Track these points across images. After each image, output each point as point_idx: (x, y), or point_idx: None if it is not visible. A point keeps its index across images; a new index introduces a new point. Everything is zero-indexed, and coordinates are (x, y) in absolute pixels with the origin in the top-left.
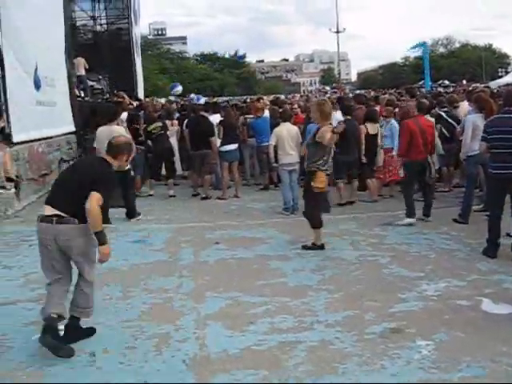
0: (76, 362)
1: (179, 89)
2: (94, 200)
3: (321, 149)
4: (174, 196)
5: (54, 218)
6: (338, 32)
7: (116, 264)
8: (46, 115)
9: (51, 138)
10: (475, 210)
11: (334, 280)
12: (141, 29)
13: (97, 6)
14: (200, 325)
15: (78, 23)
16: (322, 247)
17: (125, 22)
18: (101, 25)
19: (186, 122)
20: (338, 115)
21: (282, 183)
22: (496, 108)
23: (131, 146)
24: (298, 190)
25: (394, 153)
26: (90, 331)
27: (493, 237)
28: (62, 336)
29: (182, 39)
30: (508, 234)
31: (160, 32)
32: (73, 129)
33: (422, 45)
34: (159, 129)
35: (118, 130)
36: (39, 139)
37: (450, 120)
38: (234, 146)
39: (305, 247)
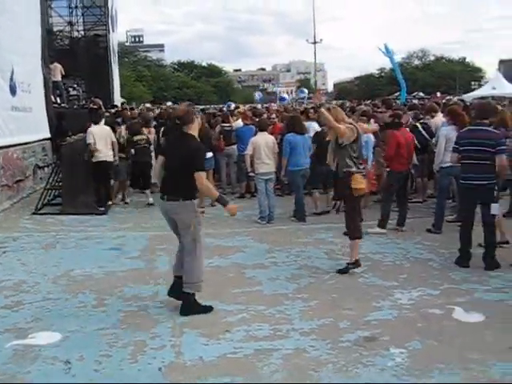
0: (51, 369)
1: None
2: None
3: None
4: (153, 204)
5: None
6: (315, 43)
7: (91, 272)
8: (21, 121)
9: (26, 144)
10: (448, 221)
11: (310, 288)
12: (118, 35)
13: (74, 11)
14: (176, 332)
15: (54, 29)
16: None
17: (102, 29)
18: (78, 31)
19: (162, 129)
20: (314, 125)
21: (259, 192)
22: (468, 120)
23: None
24: (274, 198)
25: (369, 164)
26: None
27: (465, 247)
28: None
29: (160, 47)
30: (480, 245)
31: (137, 39)
32: (48, 135)
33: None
34: (144, 141)
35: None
36: (14, 145)
37: (423, 132)
38: (209, 155)
39: (344, 270)
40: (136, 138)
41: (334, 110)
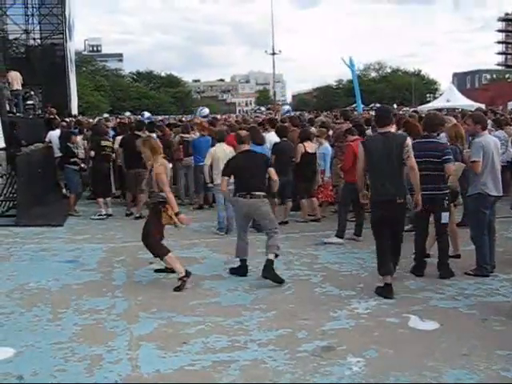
0: None
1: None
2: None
3: None
4: (111, 215)
5: None
6: (273, 54)
7: (46, 284)
8: None
9: None
10: (404, 230)
11: (267, 299)
12: (75, 44)
13: (30, 19)
14: (133, 346)
15: (10, 37)
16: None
17: (59, 38)
18: (34, 39)
19: (120, 140)
20: (272, 136)
21: (217, 203)
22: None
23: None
24: (232, 209)
25: (327, 175)
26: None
27: (419, 256)
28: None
29: (118, 56)
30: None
31: (95, 48)
32: (3, 145)
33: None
34: (110, 149)
35: None
36: None
37: None
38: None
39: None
40: (104, 143)
41: (148, 143)
